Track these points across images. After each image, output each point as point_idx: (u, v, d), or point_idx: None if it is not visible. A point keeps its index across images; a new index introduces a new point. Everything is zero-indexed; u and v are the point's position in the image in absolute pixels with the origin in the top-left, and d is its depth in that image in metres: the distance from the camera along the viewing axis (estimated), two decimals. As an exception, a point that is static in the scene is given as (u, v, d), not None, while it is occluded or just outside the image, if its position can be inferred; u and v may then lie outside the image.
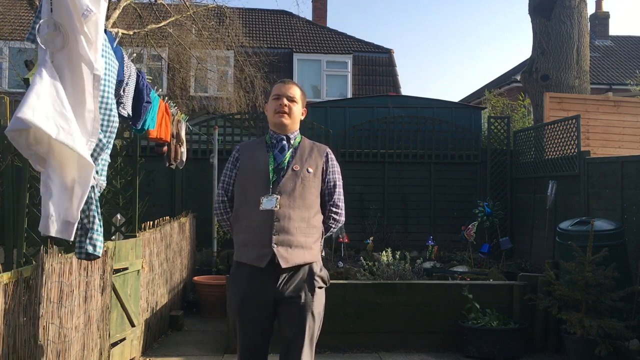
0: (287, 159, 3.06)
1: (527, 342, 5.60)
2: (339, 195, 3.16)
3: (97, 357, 3.88)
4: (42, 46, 2.54)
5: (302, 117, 3.20)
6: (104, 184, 3.11)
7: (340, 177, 3.19)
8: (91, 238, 2.73)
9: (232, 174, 3.15)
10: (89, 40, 2.59)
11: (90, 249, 2.74)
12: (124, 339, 4.59)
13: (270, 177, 3.00)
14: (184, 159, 7.03)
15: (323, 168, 3.11)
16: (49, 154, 2.47)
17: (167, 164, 6.51)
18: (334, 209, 3.14)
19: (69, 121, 2.45)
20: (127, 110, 4.43)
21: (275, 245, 2.91)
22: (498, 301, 5.68)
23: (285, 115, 3.08)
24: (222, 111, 13.46)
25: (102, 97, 2.83)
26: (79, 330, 3.52)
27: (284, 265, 2.91)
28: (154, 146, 6.58)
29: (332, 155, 3.18)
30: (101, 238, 2.79)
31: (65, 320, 3.29)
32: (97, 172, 2.81)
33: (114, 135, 2.91)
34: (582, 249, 5.15)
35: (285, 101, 3.08)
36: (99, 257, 2.83)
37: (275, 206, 2.93)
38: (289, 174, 3.01)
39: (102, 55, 2.98)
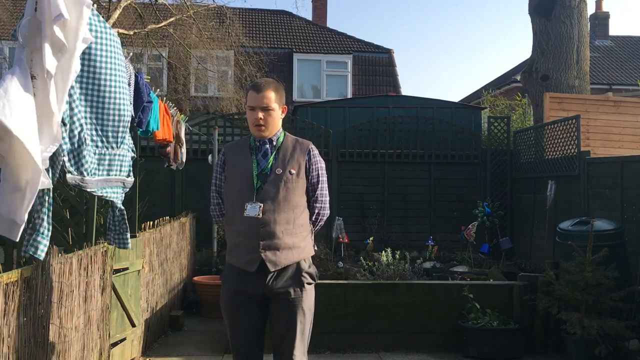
0: (271, 163, 3.08)
1: (527, 342, 5.60)
2: (322, 190, 3.20)
3: (97, 357, 3.88)
4: (21, 44, 2.53)
5: (283, 116, 3.19)
6: (130, 180, 3.16)
7: (324, 171, 3.22)
8: (35, 240, 2.74)
9: (222, 177, 3.22)
10: (59, 46, 2.55)
11: (31, 250, 2.74)
12: (124, 339, 4.59)
13: (255, 183, 3.04)
14: (184, 159, 7.03)
15: (306, 166, 3.13)
16: (9, 153, 2.46)
17: (167, 165, 6.51)
18: (317, 204, 3.19)
19: (30, 124, 2.43)
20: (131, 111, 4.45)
21: (263, 250, 2.98)
22: (498, 301, 5.68)
23: (263, 127, 3.08)
24: (222, 111, 13.46)
25: (111, 95, 2.85)
26: (79, 330, 3.52)
27: (272, 268, 2.99)
28: (158, 147, 6.59)
29: (315, 152, 3.19)
30: (45, 242, 2.79)
31: (65, 320, 3.29)
32: (71, 171, 2.83)
33: (120, 132, 2.94)
34: (582, 249, 5.15)
35: (260, 114, 3.06)
36: (40, 259, 2.83)
37: (259, 214, 2.98)
38: (271, 178, 3.04)
39: (107, 54, 2.99)
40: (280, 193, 3.02)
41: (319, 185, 3.18)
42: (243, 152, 3.15)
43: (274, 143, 3.14)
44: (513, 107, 13.67)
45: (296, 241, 3.05)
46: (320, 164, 3.20)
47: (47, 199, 2.77)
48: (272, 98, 3.08)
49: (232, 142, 3.44)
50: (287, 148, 3.14)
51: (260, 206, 2.98)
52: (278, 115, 3.14)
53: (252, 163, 3.09)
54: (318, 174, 3.17)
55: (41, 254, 2.76)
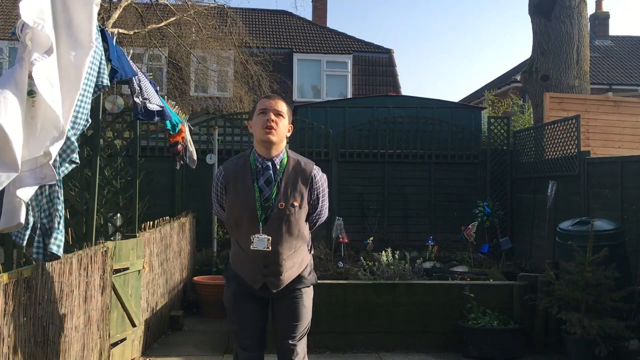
0: (274, 193, 3.01)
1: (527, 342, 5.60)
2: (322, 207, 3.21)
3: (97, 357, 3.87)
4: (23, 43, 2.52)
5: (288, 135, 3.13)
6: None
7: (326, 188, 3.20)
8: (56, 238, 2.73)
9: (223, 196, 3.13)
10: (41, 42, 2.52)
11: (55, 249, 2.73)
12: (124, 339, 4.59)
13: (259, 215, 2.99)
14: (195, 157, 7.08)
15: (308, 195, 3.09)
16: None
17: (178, 165, 6.56)
18: (316, 217, 3.22)
19: (18, 122, 2.41)
20: (156, 102, 4.44)
21: (266, 276, 3.03)
22: (498, 301, 5.68)
23: (273, 131, 2.98)
24: (224, 111, 13.48)
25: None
26: (79, 330, 3.52)
27: (274, 290, 3.05)
28: (169, 147, 6.63)
29: (317, 177, 3.12)
30: (62, 238, 2.78)
31: (65, 320, 3.29)
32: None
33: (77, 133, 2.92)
34: (582, 249, 5.15)
35: (272, 116, 2.99)
36: (60, 257, 2.81)
37: (267, 247, 2.97)
38: (274, 213, 2.99)
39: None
40: (283, 227, 3.01)
41: (320, 204, 3.18)
42: (245, 177, 3.05)
43: (277, 167, 3.05)
44: (521, 106, 13.66)
45: (296, 260, 3.10)
46: (322, 186, 3.15)
47: (58, 195, 2.77)
48: (284, 107, 3.08)
49: (232, 161, 3.19)
50: (289, 176, 3.05)
51: (268, 239, 2.96)
52: (286, 127, 3.08)
53: (255, 192, 3.01)
54: (319, 196, 3.16)
55: (60, 251, 2.76)
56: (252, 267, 3.04)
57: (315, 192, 3.12)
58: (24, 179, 2.46)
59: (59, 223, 2.78)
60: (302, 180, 3.06)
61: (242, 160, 3.12)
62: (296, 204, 3.02)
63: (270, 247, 2.97)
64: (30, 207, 2.75)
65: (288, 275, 3.06)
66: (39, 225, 2.79)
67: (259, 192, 3.01)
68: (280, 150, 3.08)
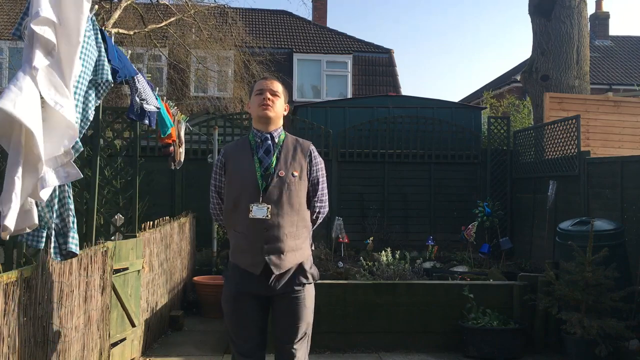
0: (274, 162, 3.07)
1: (527, 342, 5.60)
2: (323, 190, 3.23)
3: (97, 357, 3.87)
4: (28, 44, 2.52)
5: (285, 113, 3.23)
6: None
7: (324, 171, 3.25)
8: (73, 237, 2.73)
9: (222, 178, 3.20)
10: (44, 43, 2.51)
11: (73, 247, 2.74)
12: (124, 339, 4.59)
13: (259, 184, 3.03)
14: (182, 159, 7.05)
15: (308, 168, 3.14)
16: (24, 147, 2.43)
17: (173, 165, 6.56)
18: (318, 204, 3.22)
19: (39, 120, 2.42)
20: (153, 103, 4.45)
21: (267, 254, 2.99)
22: (498, 301, 5.68)
23: (270, 108, 3.09)
24: (224, 111, 13.48)
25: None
26: (79, 330, 3.52)
27: (276, 272, 3.01)
28: (160, 147, 6.61)
29: (315, 153, 3.22)
30: (77, 236, 2.80)
31: (65, 320, 3.28)
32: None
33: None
34: (582, 249, 5.15)
35: (269, 95, 3.11)
36: (77, 255, 2.82)
37: (267, 215, 2.98)
38: (275, 181, 3.03)
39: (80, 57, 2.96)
40: (283, 196, 3.02)
41: (320, 186, 3.20)
42: (244, 152, 3.14)
43: (276, 140, 3.14)
44: (517, 105, 13.68)
45: (298, 243, 3.07)
46: (320, 164, 3.22)
47: (69, 195, 2.77)
48: (280, 88, 3.18)
49: (232, 142, 3.38)
50: (289, 148, 3.14)
51: (267, 207, 2.98)
52: (282, 106, 3.18)
53: (255, 163, 3.08)
54: (319, 174, 3.19)
55: (78, 249, 2.77)
56: (253, 247, 3.00)
57: (315, 170, 3.17)
58: (48, 179, 2.47)
59: (73, 222, 2.79)
60: (301, 153, 3.14)
61: (241, 141, 3.26)
62: (296, 173, 3.07)
63: (269, 216, 2.97)
64: (40, 209, 2.75)
65: (290, 258, 3.02)
66: (52, 226, 2.79)
67: (258, 163, 3.08)
68: (279, 127, 3.19)
